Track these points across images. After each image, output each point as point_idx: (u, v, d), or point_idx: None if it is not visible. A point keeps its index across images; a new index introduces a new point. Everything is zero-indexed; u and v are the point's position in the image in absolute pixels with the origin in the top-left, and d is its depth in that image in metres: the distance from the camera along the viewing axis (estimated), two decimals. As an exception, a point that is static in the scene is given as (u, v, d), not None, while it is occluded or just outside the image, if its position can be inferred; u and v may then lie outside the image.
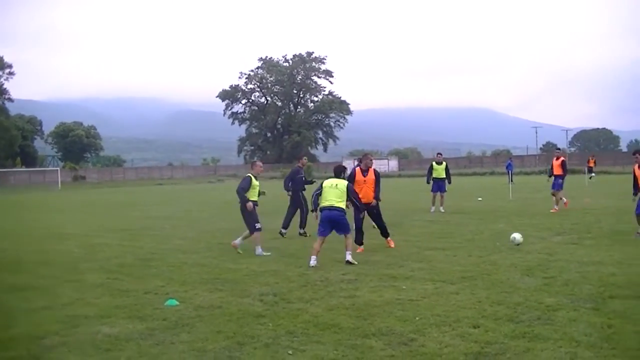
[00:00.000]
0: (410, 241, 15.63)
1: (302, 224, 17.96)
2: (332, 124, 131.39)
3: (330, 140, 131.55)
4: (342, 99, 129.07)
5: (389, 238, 14.77)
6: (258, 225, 14.21)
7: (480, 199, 30.54)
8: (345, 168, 13.20)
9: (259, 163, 15.42)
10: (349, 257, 12.47)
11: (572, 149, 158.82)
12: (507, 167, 47.88)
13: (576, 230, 16.54)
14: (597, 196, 30.20)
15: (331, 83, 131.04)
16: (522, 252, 13.11)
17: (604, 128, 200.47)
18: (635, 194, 15.32)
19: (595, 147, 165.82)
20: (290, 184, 18.41)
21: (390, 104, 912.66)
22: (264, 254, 13.96)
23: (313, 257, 12.33)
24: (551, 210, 22.01)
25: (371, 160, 14.93)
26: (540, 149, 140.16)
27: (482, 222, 19.66)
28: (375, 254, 13.35)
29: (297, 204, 18.20)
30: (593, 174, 49.29)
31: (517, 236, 14.20)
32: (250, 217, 14.27)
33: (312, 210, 13.24)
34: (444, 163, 24.15)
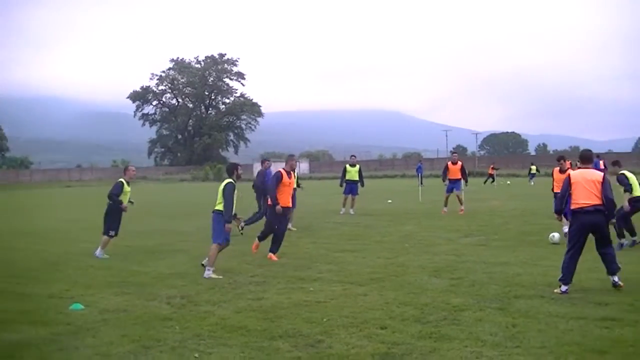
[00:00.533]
0: (319, 243, 15.76)
1: (249, 222, 18.10)
2: (243, 126, 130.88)
3: (242, 143, 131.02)
4: (253, 101, 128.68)
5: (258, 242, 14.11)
6: (112, 233, 14.25)
7: (390, 201, 31.04)
8: (236, 166, 12.70)
9: (132, 168, 15.30)
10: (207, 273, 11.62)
11: (482, 152, 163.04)
12: (417, 170, 48.80)
13: (484, 232, 17.02)
14: (504, 198, 31.13)
15: (243, 85, 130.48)
16: (430, 254, 13.40)
17: (513, 132, 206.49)
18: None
19: (504, 150, 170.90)
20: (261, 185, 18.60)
21: (302, 106, 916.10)
22: (104, 256, 14.03)
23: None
24: (459, 212, 22.50)
25: (296, 162, 14.87)
26: (451, 151, 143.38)
27: (392, 224, 19.99)
28: (283, 256, 13.37)
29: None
30: (494, 182, 50.67)
31: (556, 235, 14.56)
32: (112, 221, 14.28)
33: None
34: (357, 166, 24.22)
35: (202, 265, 11.77)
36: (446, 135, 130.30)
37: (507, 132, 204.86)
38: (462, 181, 23.54)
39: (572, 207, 9.64)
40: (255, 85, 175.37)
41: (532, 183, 49.60)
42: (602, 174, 9.63)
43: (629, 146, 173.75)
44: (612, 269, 9.48)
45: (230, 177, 12.00)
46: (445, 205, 23.41)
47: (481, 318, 8.07)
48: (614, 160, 15.04)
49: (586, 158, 9.98)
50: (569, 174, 9.83)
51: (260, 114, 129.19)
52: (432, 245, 14.50)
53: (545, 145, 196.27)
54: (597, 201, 9.43)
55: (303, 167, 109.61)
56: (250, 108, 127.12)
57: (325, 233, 18.29)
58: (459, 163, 23.34)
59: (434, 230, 17.57)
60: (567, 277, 9.46)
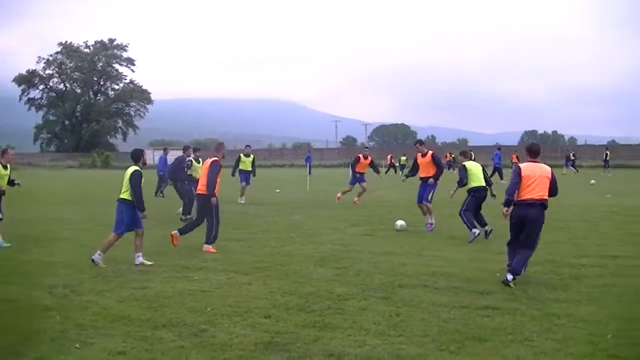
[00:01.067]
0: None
1: (186, 211, 18.42)
2: (132, 113, 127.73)
3: (130, 130, 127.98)
4: (143, 87, 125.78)
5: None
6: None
7: (278, 190, 31.07)
8: (142, 152, 12.42)
9: (11, 151, 14.70)
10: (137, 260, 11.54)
11: (372, 143, 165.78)
12: (306, 160, 49.24)
13: (370, 222, 17.29)
14: (390, 189, 31.72)
15: (133, 71, 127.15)
16: (316, 244, 13.50)
17: (403, 123, 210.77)
18: (407, 176, 17.61)
19: (393, 141, 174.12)
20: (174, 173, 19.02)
21: (193, 94, 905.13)
22: (4, 244, 13.41)
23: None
24: (353, 202, 22.65)
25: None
26: (340, 142, 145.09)
27: (279, 213, 20.02)
28: (169, 245, 13.17)
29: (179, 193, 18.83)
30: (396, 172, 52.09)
31: (400, 222, 15.16)
32: None
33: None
34: (252, 156, 24.53)
35: (92, 260, 11.32)
36: (336, 126, 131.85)
37: (397, 124, 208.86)
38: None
39: (519, 199, 9.74)
40: (145, 71, 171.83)
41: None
42: (550, 169, 9.84)
43: (515, 139, 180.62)
44: (516, 269, 9.51)
45: (136, 164, 11.60)
46: (343, 193, 23.16)
47: (365, 307, 8.19)
48: (462, 151, 15.76)
49: (535, 152, 10.10)
50: (520, 167, 9.90)
51: (150, 101, 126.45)
52: (318, 235, 14.62)
53: (434, 137, 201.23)
54: (545, 195, 9.63)
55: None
56: (140, 95, 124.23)
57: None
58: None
59: (320, 219, 17.71)
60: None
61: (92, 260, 11.11)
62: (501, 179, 36.69)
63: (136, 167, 11.48)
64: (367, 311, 7.99)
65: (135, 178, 11.27)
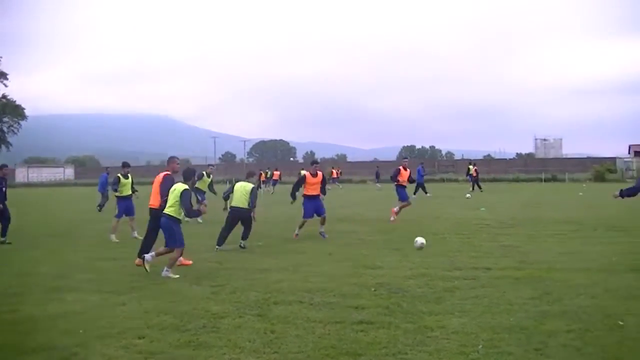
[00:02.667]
0: (79, 252, 15.37)
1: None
2: (5, 129, 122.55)
3: (3, 146, 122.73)
4: (17, 103, 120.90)
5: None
6: None
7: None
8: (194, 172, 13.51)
9: None
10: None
11: (251, 159, 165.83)
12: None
13: (248, 239, 17.20)
14: (269, 205, 31.75)
15: (6, 86, 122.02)
16: (193, 261, 13.31)
17: (282, 139, 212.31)
18: (294, 195, 18.08)
19: (272, 157, 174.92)
20: None
21: (69, 110, 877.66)
22: None
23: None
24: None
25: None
26: (220, 158, 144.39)
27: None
28: (42, 265, 12.76)
29: None
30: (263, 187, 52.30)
31: (419, 240, 14.60)
32: None
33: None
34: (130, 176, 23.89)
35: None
36: (214, 142, 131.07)
37: (276, 140, 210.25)
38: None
39: None
40: (18, 86, 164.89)
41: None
42: None
43: (393, 155, 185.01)
44: None
45: (186, 182, 12.35)
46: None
47: (240, 325, 8.17)
48: (249, 172, 17.11)
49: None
50: None
51: (24, 117, 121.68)
52: (194, 252, 14.44)
53: (313, 153, 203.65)
54: None
55: (68, 172, 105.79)
56: (13, 110, 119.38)
57: (87, 241, 17.89)
58: (319, 174, 18.48)
59: (197, 237, 17.51)
60: None
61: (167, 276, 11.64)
62: (425, 193, 37.81)
63: (186, 186, 12.05)
64: (242, 329, 7.97)
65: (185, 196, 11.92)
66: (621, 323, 7.87)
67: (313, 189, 18.04)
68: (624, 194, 13.32)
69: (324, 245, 15.89)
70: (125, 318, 8.64)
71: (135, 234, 17.91)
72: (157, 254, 12.26)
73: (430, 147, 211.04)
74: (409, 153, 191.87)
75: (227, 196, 21.85)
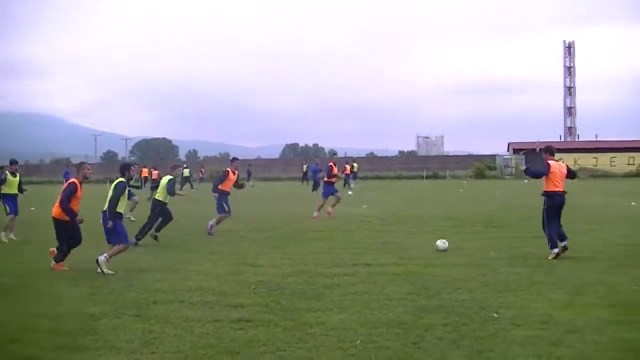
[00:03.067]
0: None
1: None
2: None
3: None
4: None
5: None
6: None
7: (33, 209, 29.46)
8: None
9: None
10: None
11: (133, 158, 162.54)
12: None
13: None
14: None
15: None
16: (71, 262, 12.91)
17: (164, 137, 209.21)
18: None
19: (155, 156, 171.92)
20: None
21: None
22: None
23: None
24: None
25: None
26: (101, 157, 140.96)
27: (32, 232, 18.90)
28: None
29: None
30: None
31: (440, 243, 14.11)
32: None
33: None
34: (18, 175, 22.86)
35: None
36: (95, 140, 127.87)
37: (159, 138, 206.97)
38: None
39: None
40: None
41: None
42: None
43: (277, 152, 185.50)
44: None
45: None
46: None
47: (118, 326, 8.05)
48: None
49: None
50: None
51: None
52: (72, 254, 14.03)
53: (195, 152, 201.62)
54: None
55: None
56: None
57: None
58: (237, 173, 20.05)
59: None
60: None
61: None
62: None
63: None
64: (119, 330, 7.86)
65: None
66: (496, 315, 8.20)
67: (229, 186, 18.81)
68: (529, 172, 14.11)
69: (205, 243, 15.85)
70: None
71: (12, 236, 17.19)
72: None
73: (313, 145, 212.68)
74: (292, 151, 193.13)
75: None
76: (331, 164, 23.08)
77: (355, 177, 52.02)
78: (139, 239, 15.49)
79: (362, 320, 8.12)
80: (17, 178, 18.07)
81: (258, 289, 10.02)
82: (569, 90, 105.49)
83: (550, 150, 13.48)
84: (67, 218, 12.10)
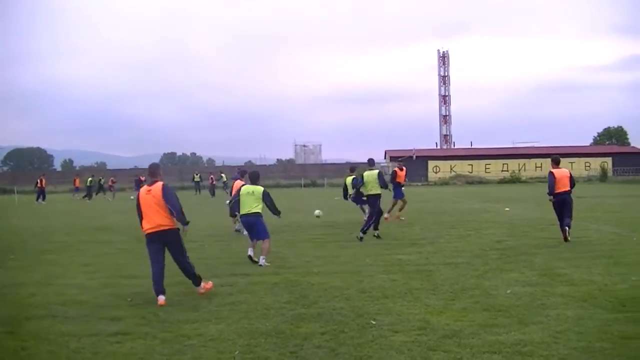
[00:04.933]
0: None
1: None
2: None
3: None
4: None
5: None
6: None
7: None
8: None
9: None
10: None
11: (5, 168, 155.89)
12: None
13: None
14: (25, 217, 30.17)
15: None
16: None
17: (38, 147, 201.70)
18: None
19: (29, 166, 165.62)
20: None
21: None
22: None
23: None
24: None
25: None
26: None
27: None
28: None
29: None
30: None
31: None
32: None
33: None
34: None
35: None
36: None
37: (32, 147, 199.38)
38: None
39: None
40: None
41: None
42: None
43: (154, 161, 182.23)
44: None
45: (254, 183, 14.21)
46: None
47: (-11, 343, 7.70)
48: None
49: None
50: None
51: None
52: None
53: (71, 161, 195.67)
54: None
55: None
56: None
57: None
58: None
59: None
60: None
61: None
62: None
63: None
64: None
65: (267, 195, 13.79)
66: (373, 322, 8.30)
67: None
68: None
69: (80, 256, 15.36)
70: None
71: None
72: None
73: (191, 154, 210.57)
74: (169, 160, 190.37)
75: None
76: (396, 169, 24.01)
77: (226, 187, 51.90)
78: None
79: (240, 331, 8.08)
80: None
81: (135, 301, 9.82)
82: (444, 99, 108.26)
83: (554, 160, 16.47)
84: None
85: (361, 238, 16.89)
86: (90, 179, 51.66)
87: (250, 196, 13.64)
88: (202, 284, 10.51)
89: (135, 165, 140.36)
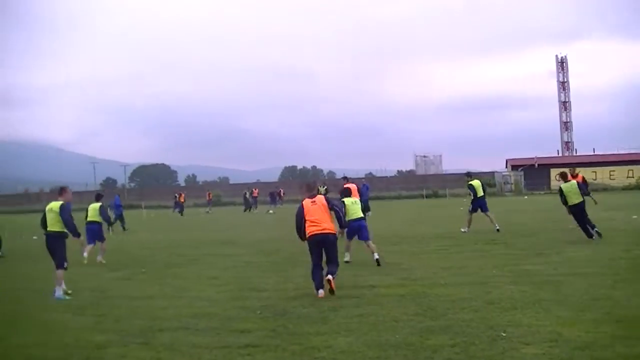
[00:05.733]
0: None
1: None
2: None
3: None
4: None
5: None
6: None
7: (35, 237, 29.43)
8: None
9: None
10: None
11: (132, 184, 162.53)
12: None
13: (129, 266, 16.87)
14: (153, 231, 31.27)
15: None
16: (75, 291, 12.85)
17: (162, 163, 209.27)
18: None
19: (154, 181, 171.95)
20: None
21: None
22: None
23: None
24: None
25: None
26: (100, 184, 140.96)
27: (36, 262, 18.84)
28: None
29: None
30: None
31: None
32: None
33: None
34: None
35: None
36: (94, 168, 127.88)
37: (157, 164, 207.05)
38: None
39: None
40: None
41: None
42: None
43: (276, 175, 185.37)
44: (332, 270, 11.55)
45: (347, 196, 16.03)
46: None
47: (125, 354, 7.97)
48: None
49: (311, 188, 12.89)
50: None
51: None
52: (76, 282, 14.00)
53: (194, 176, 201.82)
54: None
55: None
56: None
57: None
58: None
59: (75, 266, 16.97)
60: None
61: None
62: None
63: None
64: (126, 358, 7.79)
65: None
66: (504, 334, 8.08)
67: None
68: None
69: (207, 269, 15.70)
70: (0, 354, 8.31)
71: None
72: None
73: (312, 167, 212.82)
74: (290, 173, 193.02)
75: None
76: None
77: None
78: None
79: (369, 343, 8.01)
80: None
81: (264, 314, 9.93)
82: (564, 105, 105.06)
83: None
84: None
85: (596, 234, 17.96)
86: (245, 191, 56.52)
87: (355, 205, 15.86)
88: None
89: (257, 179, 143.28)
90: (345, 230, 15.08)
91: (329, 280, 11.32)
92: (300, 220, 11.76)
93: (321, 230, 11.58)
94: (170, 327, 9.37)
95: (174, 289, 12.92)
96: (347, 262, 15.30)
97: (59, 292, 12.32)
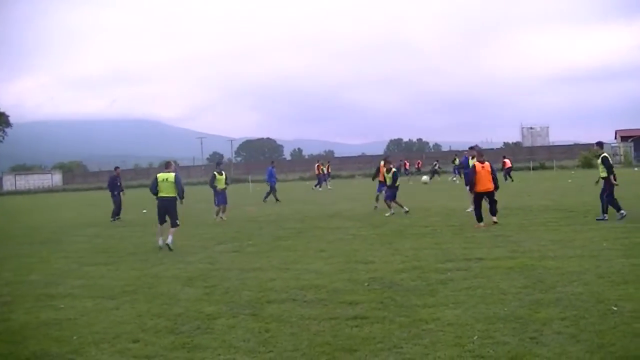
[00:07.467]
0: (70, 257, 15.30)
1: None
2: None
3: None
4: (0, 110, 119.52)
5: None
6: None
7: (145, 210, 30.49)
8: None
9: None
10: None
11: (239, 159, 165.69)
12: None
13: (238, 239, 17.22)
14: (260, 205, 31.78)
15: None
16: (184, 263, 13.34)
17: (268, 138, 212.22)
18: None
19: (260, 156, 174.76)
20: None
21: (54, 116, 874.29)
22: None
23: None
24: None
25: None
26: (207, 159, 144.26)
27: (145, 234, 19.63)
28: (32, 272, 12.76)
29: None
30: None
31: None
32: None
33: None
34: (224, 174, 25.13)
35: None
36: (201, 143, 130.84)
37: (263, 138, 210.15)
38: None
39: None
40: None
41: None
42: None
43: (381, 149, 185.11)
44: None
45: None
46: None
47: (234, 325, 8.16)
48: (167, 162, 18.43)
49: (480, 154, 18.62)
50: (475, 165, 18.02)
51: (8, 124, 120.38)
52: (185, 254, 14.43)
53: (300, 150, 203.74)
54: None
55: (56, 179, 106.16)
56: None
57: (77, 247, 17.81)
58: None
59: (188, 238, 17.50)
60: None
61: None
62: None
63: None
64: (236, 329, 7.96)
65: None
66: (615, 308, 7.88)
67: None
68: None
69: (315, 242, 15.87)
70: (118, 322, 8.61)
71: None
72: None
73: (417, 140, 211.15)
74: (396, 147, 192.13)
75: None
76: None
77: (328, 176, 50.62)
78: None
79: (477, 316, 7.96)
80: (223, 176, 24.00)
81: (371, 286, 9.97)
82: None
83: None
84: None
85: None
86: (435, 163, 58.71)
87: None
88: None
89: (362, 153, 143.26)
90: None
91: (494, 222, 17.28)
92: (473, 177, 17.87)
93: (486, 189, 17.81)
94: (279, 298, 9.54)
95: (281, 261, 13.11)
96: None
97: (170, 239, 15.54)
